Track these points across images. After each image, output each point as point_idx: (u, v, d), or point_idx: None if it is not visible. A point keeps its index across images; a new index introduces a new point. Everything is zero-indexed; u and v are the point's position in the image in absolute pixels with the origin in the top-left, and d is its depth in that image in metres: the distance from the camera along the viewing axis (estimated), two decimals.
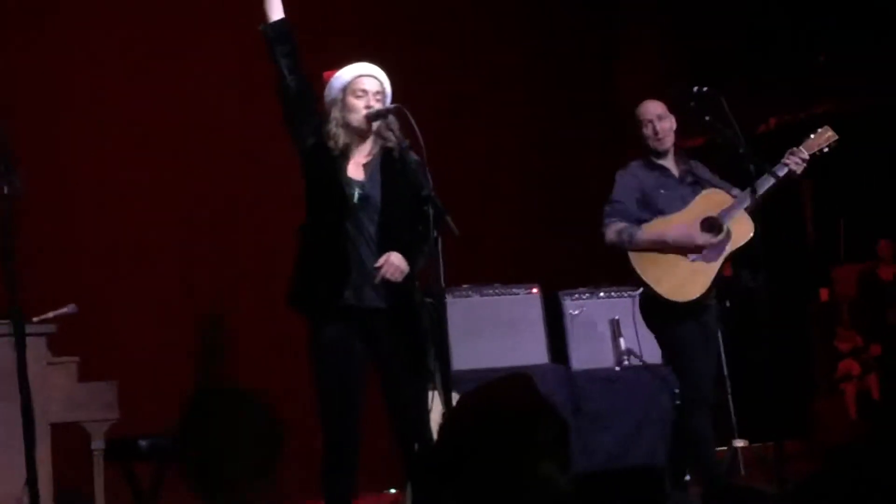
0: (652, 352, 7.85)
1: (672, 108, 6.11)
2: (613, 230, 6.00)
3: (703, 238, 5.93)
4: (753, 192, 5.85)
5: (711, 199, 6.00)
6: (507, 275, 8.02)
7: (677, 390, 7.49)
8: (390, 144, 4.98)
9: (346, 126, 4.98)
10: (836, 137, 5.88)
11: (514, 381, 2.56)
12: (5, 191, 4.52)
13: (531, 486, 2.40)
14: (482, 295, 7.78)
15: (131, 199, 7.82)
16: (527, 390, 2.50)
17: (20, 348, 4.46)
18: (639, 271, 5.96)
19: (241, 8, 5.46)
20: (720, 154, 6.16)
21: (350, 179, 4.95)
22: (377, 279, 4.85)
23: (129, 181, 7.83)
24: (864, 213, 9.57)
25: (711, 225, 5.96)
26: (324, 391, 4.94)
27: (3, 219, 4.52)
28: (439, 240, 4.70)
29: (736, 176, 5.97)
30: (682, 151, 6.19)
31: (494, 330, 7.67)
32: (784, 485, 5.43)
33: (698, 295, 5.92)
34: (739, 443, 7.68)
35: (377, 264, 4.85)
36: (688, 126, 6.15)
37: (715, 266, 5.93)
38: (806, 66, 9.41)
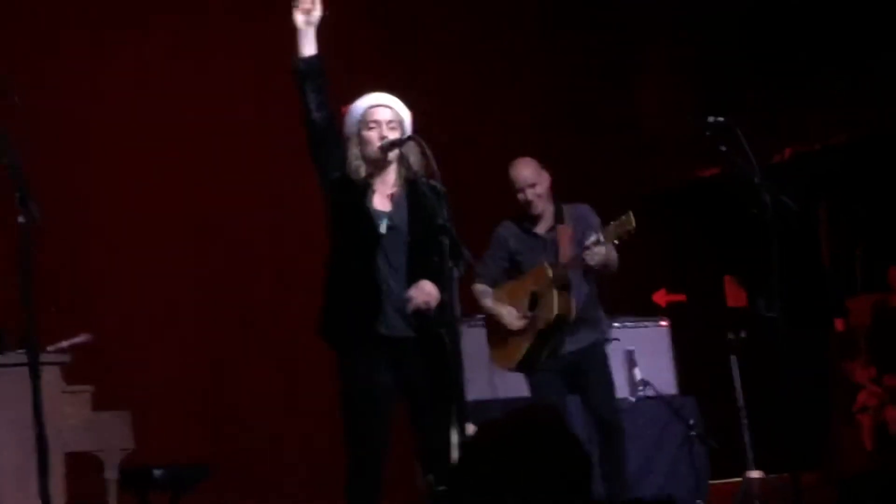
0: (666, 382, 7.82)
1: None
2: (474, 289, 6.12)
3: (508, 319, 6.03)
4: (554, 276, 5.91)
5: (538, 274, 6.01)
6: None
7: (692, 421, 7.53)
8: (411, 175, 4.98)
9: (365, 158, 4.98)
10: (634, 226, 5.70)
11: (541, 412, 2.54)
12: (21, 220, 4.52)
13: None
14: None
15: (147, 228, 7.83)
16: (553, 422, 2.48)
17: (34, 377, 4.46)
18: (487, 328, 6.20)
19: (262, 25, 5.43)
20: (735, 184, 6.13)
21: (377, 211, 4.95)
22: (410, 308, 4.85)
23: (144, 209, 7.84)
24: (882, 243, 9.52)
25: (533, 300, 5.99)
26: (352, 421, 4.93)
27: (20, 248, 4.52)
28: (454, 269, 4.69)
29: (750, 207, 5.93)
30: (562, 208, 6.13)
31: None
32: None
33: (504, 368, 6.19)
34: (755, 474, 7.63)
35: (408, 293, 4.86)
36: (703, 156, 6.12)
37: (525, 343, 6.01)
38: (821, 95, 9.39)
